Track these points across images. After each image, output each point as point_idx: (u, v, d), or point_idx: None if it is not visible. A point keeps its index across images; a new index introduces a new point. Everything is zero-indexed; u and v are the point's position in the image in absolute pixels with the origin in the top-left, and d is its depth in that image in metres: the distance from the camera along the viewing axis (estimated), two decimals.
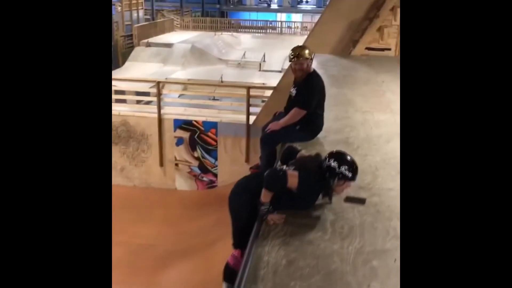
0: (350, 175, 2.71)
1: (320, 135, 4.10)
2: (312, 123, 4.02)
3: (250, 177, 3.25)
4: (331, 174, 2.70)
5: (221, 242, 6.84)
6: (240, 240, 3.04)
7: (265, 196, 2.73)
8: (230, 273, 3.12)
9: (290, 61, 3.91)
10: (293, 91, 4.02)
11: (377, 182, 3.33)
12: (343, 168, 2.70)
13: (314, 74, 3.98)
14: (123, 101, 9.90)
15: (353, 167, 2.73)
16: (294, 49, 3.90)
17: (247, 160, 8.51)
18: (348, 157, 2.79)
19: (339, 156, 2.78)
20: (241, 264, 2.80)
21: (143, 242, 7.32)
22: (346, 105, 5.20)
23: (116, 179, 8.91)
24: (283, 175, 2.70)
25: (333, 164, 2.71)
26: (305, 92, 3.90)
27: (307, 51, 3.88)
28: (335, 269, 2.30)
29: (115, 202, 8.62)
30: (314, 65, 4.12)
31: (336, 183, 2.72)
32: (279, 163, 3.21)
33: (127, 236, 7.43)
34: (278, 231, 2.64)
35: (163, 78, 10.78)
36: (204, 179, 8.84)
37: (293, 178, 2.69)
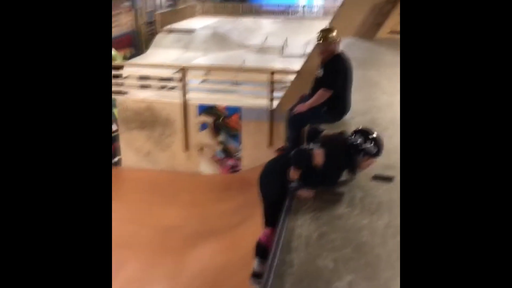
0: (374, 150, 2.77)
1: (346, 117, 4.15)
2: (338, 105, 4.07)
3: (278, 158, 3.35)
4: (356, 150, 2.78)
5: (245, 224, 7.00)
6: (271, 218, 3.17)
7: (293, 174, 2.85)
8: (262, 249, 3.26)
9: (317, 42, 3.96)
10: (320, 73, 4.07)
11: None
12: (368, 144, 2.76)
13: (341, 55, 4.02)
14: (148, 86, 10.07)
15: (377, 143, 2.79)
16: (321, 31, 3.94)
17: (270, 144, 8.60)
18: (373, 134, 2.85)
19: (363, 132, 2.85)
20: (272, 241, 2.93)
21: (170, 224, 7.53)
22: (373, 87, 5.21)
23: (143, 163, 9.15)
24: (309, 153, 2.80)
25: (358, 140, 2.78)
26: (331, 73, 3.94)
27: (334, 33, 3.92)
28: (365, 241, 2.39)
29: (144, 185, 8.88)
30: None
31: (360, 159, 2.79)
32: (305, 143, 3.30)
33: (155, 218, 7.67)
34: (309, 206, 2.73)
35: (186, 64, 10.90)
36: (228, 163, 8.98)
37: (319, 156, 2.78)
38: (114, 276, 6.29)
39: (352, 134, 2.85)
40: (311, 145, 3.00)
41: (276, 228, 3.07)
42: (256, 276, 3.36)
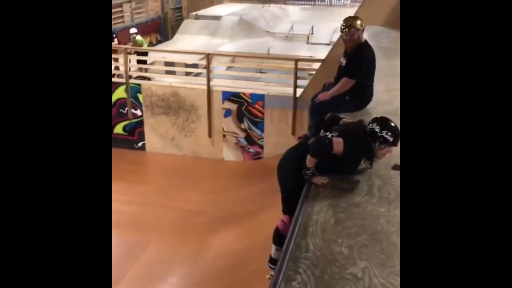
0: (391, 139, 2.77)
1: (369, 106, 4.14)
2: (361, 94, 4.06)
3: (296, 147, 3.37)
4: (373, 137, 2.79)
5: (265, 211, 7.08)
6: (289, 207, 3.22)
7: (310, 161, 2.87)
8: (279, 237, 3.31)
9: (341, 31, 3.95)
10: (343, 61, 4.07)
11: None
12: (385, 132, 2.77)
13: (365, 44, 4.00)
14: (173, 72, 10.20)
15: (395, 132, 2.79)
16: (346, 20, 3.92)
17: (293, 132, 8.61)
18: (391, 123, 2.85)
19: (381, 121, 2.86)
20: (289, 228, 2.98)
21: (193, 208, 7.69)
22: (397, 77, 5.14)
23: (167, 148, 9.32)
24: (329, 142, 2.82)
25: (376, 128, 2.80)
26: (355, 62, 3.93)
27: (358, 22, 3.90)
28: (381, 229, 2.41)
29: (168, 170, 9.05)
30: (365, 37, 4.12)
31: (377, 147, 2.80)
32: (322, 131, 3.31)
33: (179, 202, 7.84)
34: (327, 194, 2.77)
35: (212, 50, 10.96)
36: (251, 150, 9.05)
37: (338, 144, 2.80)
38: (137, 257, 6.53)
39: (370, 123, 2.86)
40: (329, 134, 3.02)
41: (293, 217, 3.12)
42: (273, 262, 3.43)
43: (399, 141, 2.81)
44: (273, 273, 3.41)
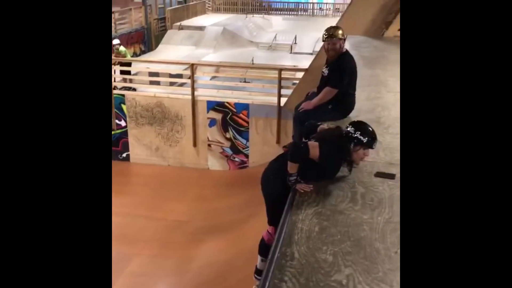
0: (365, 140, 2.83)
1: (351, 115, 4.19)
2: (344, 103, 4.11)
3: (279, 157, 3.39)
4: (348, 139, 2.85)
5: (251, 220, 7.07)
6: (274, 217, 3.22)
7: (291, 167, 2.91)
8: (264, 248, 3.31)
9: (323, 40, 4.00)
10: (325, 71, 4.12)
11: None
12: (359, 134, 2.83)
13: (346, 54, 4.06)
14: (157, 83, 10.19)
15: (369, 134, 2.85)
16: (328, 29, 3.98)
17: (278, 141, 8.66)
18: (367, 126, 2.92)
19: (356, 124, 2.94)
20: (274, 239, 3.00)
21: (178, 218, 7.65)
22: (379, 86, 5.24)
23: (152, 158, 9.27)
24: (304, 146, 2.87)
25: (351, 130, 2.86)
26: (337, 71, 3.99)
27: (340, 31, 3.96)
28: (364, 236, 2.44)
29: (152, 180, 8.98)
30: (347, 46, 4.19)
31: (352, 149, 2.85)
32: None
33: (164, 213, 7.79)
34: (311, 201, 2.79)
35: (196, 60, 10.99)
36: (236, 159, 9.06)
37: (314, 148, 2.85)
38: (122, 270, 6.44)
39: (346, 127, 2.93)
40: (307, 140, 3.07)
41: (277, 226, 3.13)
42: (259, 273, 3.43)
43: (375, 144, 2.88)
44: (258, 284, 3.42)
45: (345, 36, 4.03)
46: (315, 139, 3.00)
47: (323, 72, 4.16)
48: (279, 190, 3.10)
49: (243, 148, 8.96)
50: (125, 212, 7.89)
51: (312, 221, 2.58)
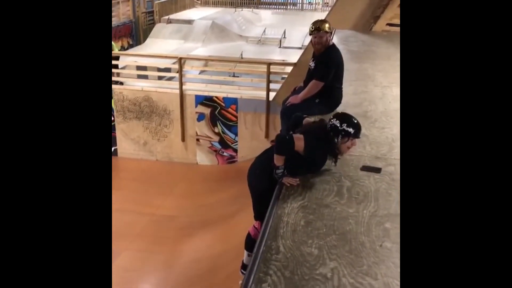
0: (352, 131, 2.85)
1: (338, 108, 4.20)
2: (330, 96, 4.12)
3: (265, 152, 3.39)
4: (335, 132, 2.86)
5: (240, 215, 7.07)
6: (260, 212, 3.22)
7: (277, 160, 2.92)
8: (250, 243, 3.32)
9: (310, 34, 4.00)
10: (312, 64, 4.12)
11: (393, 153, 3.44)
12: (345, 125, 2.85)
13: (333, 47, 4.06)
14: (145, 77, 10.09)
15: (355, 124, 2.87)
16: (314, 23, 3.98)
17: (267, 135, 8.65)
18: (352, 118, 2.93)
19: (341, 116, 2.95)
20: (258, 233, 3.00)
21: (166, 214, 7.61)
22: (366, 80, 5.26)
23: (140, 153, 9.21)
24: (289, 138, 2.88)
25: (336, 123, 2.87)
26: (323, 64, 3.99)
27: (327, 25, 3.96)
28: (349, 230, 2.45)
29: (140, 175, 8.92)
30: (335, 41, 4.20)
31: (340, 141, 2.86)
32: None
33: (152, 208, 7.75)
34: (297, 195, 2.79)
35: (184, 54, 10.91)
36: (225, 154, 9.03)
37: (299, 141, 2.86)
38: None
39: (330, 119, 2.93)
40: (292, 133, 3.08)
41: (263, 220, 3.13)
42: (245, 268, 3.42)
43: (360, 133, 2.90)
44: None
45: (332, 29, 4.03)
46: (300, 132, 3.01)
47: (310, 65, 4.16)
48: (265, 185, 3.10)
49: (232, 143, 8.94)
50: (113, 207, 7.82)
51: (298, 214, 2.58)
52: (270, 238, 2.36)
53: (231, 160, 9.05)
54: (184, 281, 6.12)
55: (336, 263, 2.17)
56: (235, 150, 8.97)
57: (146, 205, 7.86)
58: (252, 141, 8.76)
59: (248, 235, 3.41)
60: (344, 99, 4.24)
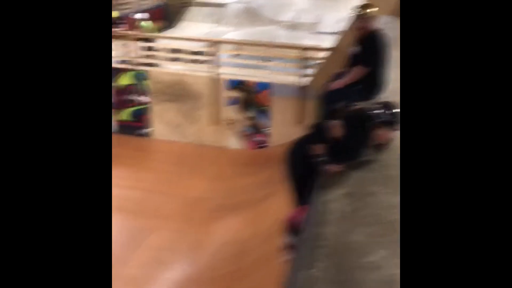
0: (389, 119, 2.78)
1: (381, 95, 4.10)
2: (373, 83, 4.02)
3: (303, 137, 3.38)
4: (373, 119, 2.79)
5: (270, 199, 7.07)
6: (298, 196, 3.22)
7: (317, 148, 2.89)
8: (290, 226, 3.33)
9: (353, 19, 3.90)
10: (355, 50, 4.02)
11: None
12: (386, 113, 2.77)
13: (378, 32, 3.95)
14: (179, 59, 10.12)
15: (394, 114, 2.79)
16: (359, 6, 3.87)
17: (299, 121, 8.57)
18: (392, 105, 2.85)
19: (382, 104, 2.87)
20: (298, 217, 3.00)
21: (197, 195, 7.69)
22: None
23: (173, 135, 9.30)
24: (328, 126, 2.84)
25: (377, 110, 2.80)
26: (368, 50, 3.90)
27: (372, 9, 3.85)
28: (396, 219, 2.39)
29: (173, 157, 9.03)
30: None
31: (380, 129, 2.79)
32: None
33: (183, 189, 7.84)
34: (342, 182, 2.75)
35: (217, 38, 10.88)
36: (256, 139, 9.02)
37: (336, 128, 2.82)
38: (140, 243, 6.55)
39: (371, 106, 2.87)
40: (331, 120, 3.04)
41: (304, 205, 3.13)
42: (286, 249, 3.46)
43: (399, 124, 2.82)
44: (285, 259, 3.44)
45: (378, 14, 3.92)
46: (340, 119, 2.96)
47: (352, 51, 4.06)
48: (303, 171, 3.09)
49: (263, 128, 8.90)
50: (145, 187, 7.98)
51: (343, 202, 2.55)
52: (315, 225, 2.34)
53: (262, 145, 9.02)
54: (214, 262, 6.20)
55: (385, 252, 2.13)
56: (266, 135, 8.94)
57: (177, 187, 7.95)
58: (284, 126, 8.70)
59: (288, 218, 3.40)
60: (386, 86, 4.13)
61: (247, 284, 5.41)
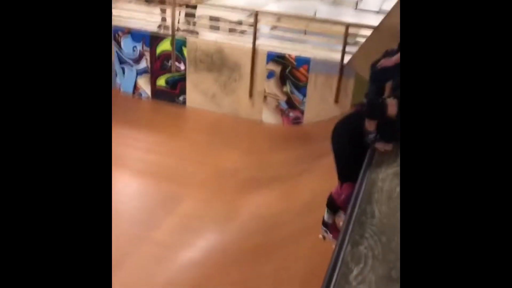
0: None
1: None
2: None
3: (351, 114, 3.32)
4: None
5: (304, 176, 7.03)
6: (342, 173, 3.18)
7: (369, 125, 2.82)
8: (331, 202, 3.30)
9: None
10: None
11: None
12: None
13: None
14: (217, 28, 10.02)
15: None
16: None
17: (337, 100, 8.42)
18: None
19: None
20: (341, 195, 2.96)
21: (229, 167, 7.72)
22: None
23: (208, 104, 9.30)
24: (382, 103, 2.77)
25: None
26: None
27: None
28: None
29: (207, 126, 9.05)
30: None
31: None
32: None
33: (215, 159, 7.88)
34: (391, 162, 2.67)
35: (258, 8, 10.69)
36: (291, 114, 8.92)
37: (392, 106, 2.73)
38: (172, 209, 6.66)
39: None
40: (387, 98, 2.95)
41: (348, 182, 3.07)
42: (325, 224, 3.44)
43: None
44: (325, 235, 3.43)
45: None
46: (394, 97, 2.87)
47: None
48: (350, 147, 3.05)
49: (299, 104, 8.78)
50: (179, 154, 8.06)
51: (393, 181, 2.47)
52: (364, 202, 2.28)
53: (296, 121, 8.93)
54: (243, 234, 6.25)
55: None
56: (302, 112, 8.82)
57: (210, 156, 8.00)
58: (320, 104, 8.56)
59: (330, 194, 3.37)
60: None
61: (275, 258, 5.43)
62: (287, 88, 8.74)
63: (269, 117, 9.09)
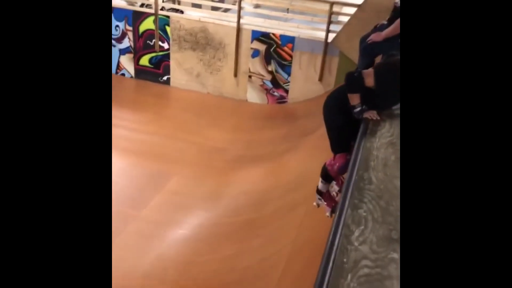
0: None
1: None
2: None
3: (340, 87, 3.39)
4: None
5: (290, 153, 7.14)
6: (334, 145, 3.28)
7: (352, 99, 2.91)
8: (325, 172, 3.40)
9: None
10: (399, 1, 3.91)
11: None
12: None
13: None
14: (199, 6, 9.90)
15: None
16: None
17: (321, 78, 8.50)
18: None
19: None
20: (337, 165, 3.06)
21: (215, 145, 7.76)
22: None
23: (192, 84, 9.26)
24: (358, 75, 2.84)
25: None
26: None
27: None
28: None
29: (191, 106, 9.03)
30: None
31: None
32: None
33: (202, 138, 7.91)
34: (385, 132, 2.76)
35: None
36: (275, 94, 8.97)
37: (369, 76, 2.82)
38: (161, 187, 6.68)
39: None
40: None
41: (341, 154, 3.17)
42: (319, 193, 3.55)
43: None
44: (319, 202, 3.55)
45: None
46: (372, 67, 2.98)
47: (396, 2, 3.96)
48: (339, 119, 3.15)
49: (284, 83, 8.84)
50: (165, 133, 8.05)
51: (388, 150, 2.57)
52: (361, 169, 2.37)
53: (281, 100, 8.99)
54: (233, 209, 6.34)
55: None
56: (286, 91, 8.88)
57: (196, 135, 8.02)
58: (305, 83, 8.64)
59: (324, 165, 3.47)
60: None
61: (264, 233, 5.55)
62: (272, 67, 8.77)
63: (254, 96, 9.13)
